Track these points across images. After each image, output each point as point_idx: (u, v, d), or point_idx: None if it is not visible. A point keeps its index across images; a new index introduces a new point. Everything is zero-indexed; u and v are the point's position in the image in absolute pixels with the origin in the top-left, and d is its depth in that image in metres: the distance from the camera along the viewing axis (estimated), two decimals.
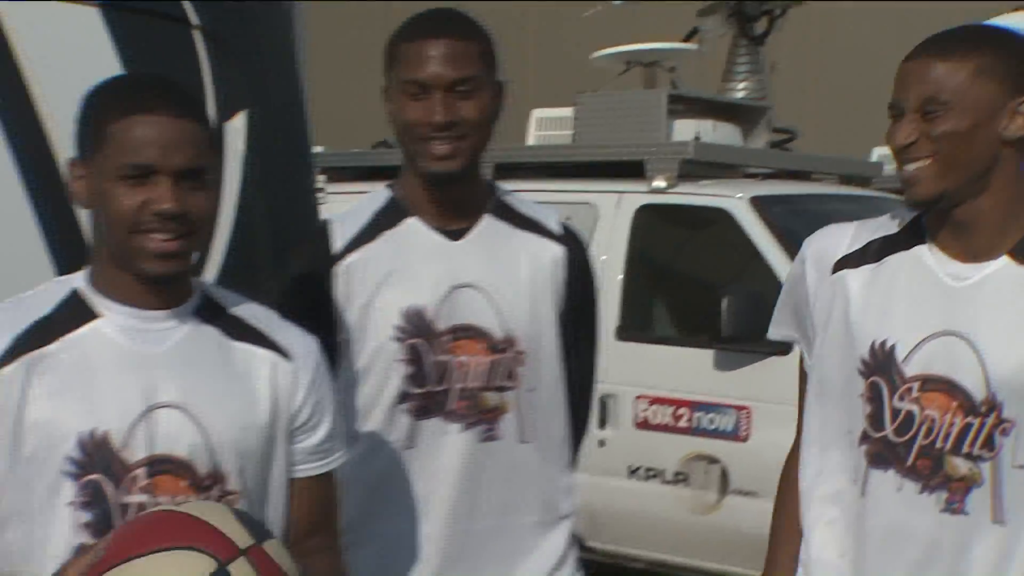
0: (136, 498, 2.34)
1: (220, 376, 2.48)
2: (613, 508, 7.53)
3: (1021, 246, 2.59)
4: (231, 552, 2.06)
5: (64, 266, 3.37)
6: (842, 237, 2.81)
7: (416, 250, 3.15)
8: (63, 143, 3.30)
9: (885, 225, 2.77)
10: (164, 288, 2.44)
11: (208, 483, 2.39)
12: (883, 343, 2.66)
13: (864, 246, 2.77)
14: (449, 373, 3.09)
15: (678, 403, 7.43)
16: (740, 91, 10.03)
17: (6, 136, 3.41)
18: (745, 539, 6.94)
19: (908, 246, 2.71)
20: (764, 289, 7.00)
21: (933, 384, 2.60)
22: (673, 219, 8.02)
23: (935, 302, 2.64)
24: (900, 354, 2.63)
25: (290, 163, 4.02)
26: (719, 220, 7.57)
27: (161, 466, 2.37)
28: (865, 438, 2.68)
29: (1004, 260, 2.59)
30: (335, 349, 3.08)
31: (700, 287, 7.94)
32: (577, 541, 3.34)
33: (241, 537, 2.10)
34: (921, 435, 2.60)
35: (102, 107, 2.42)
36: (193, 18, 3.72)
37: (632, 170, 7.95)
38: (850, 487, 2.72)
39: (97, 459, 2.34)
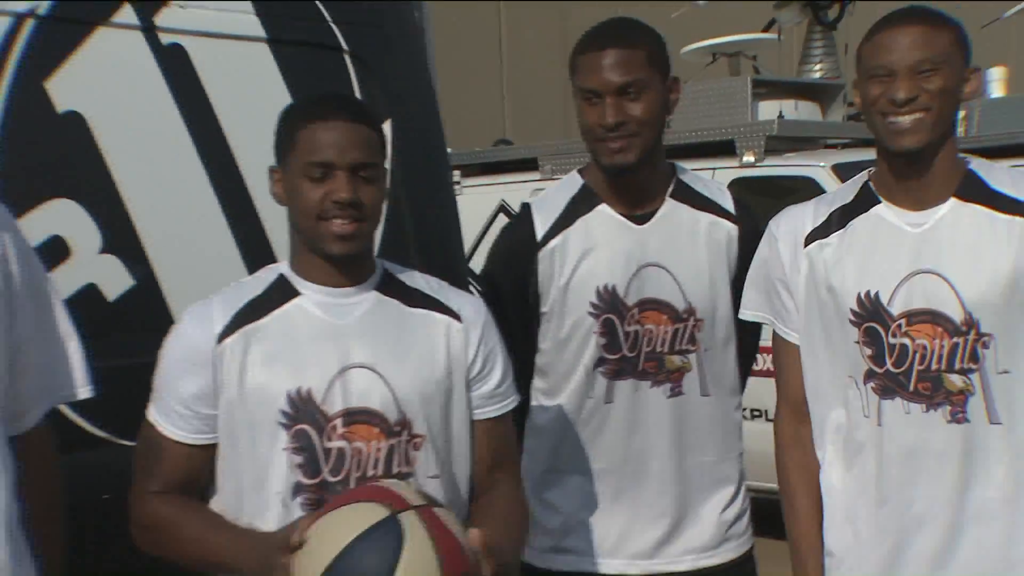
0: (337, 444, 2.48)
1: (402, 338, 2.58)
2: None
3: (962, 188, 2.73)
4: (403, 505, 2.22)
5: (250, 257, 3.62)
6: (805, 215, 2.91)
7: (607, 234, 3.16)
8: (245, 160, 3.58)
9: (839, 197, 2.89)
10: (349, 267, 2.58)
11: (398, 429, 2.51)
12: (867, 293, 2.75)
13: (827, 219, 2.86)
14: (639, 340, 3.12)
15: None
16: (817, 72, 9.95)
17: (200, 156, 3.57)
18: None
19: (866, 209, 2.82)
20: None
21: (918, 317, 2.70)
22: (762, 189, 7.91)
23: (902, 248, 2.74)
24: (884, 298, 2.73)
25: (429, 163, 4.09)
26: (804, 187, 7.45)
27: (356, 416, 2.49)
28: (870, 375, 2.75)
29: (952, 202, 2.72)
30: (539, 320, 3.22)
31: None
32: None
33: (414, 498, 2.27)
34: (916, 362, 2.69)
35: (292, 120, 2.58)
36: (344, 45, 3.84)
37: (723, 149, 7.95)
38: (863, 421, 2.78)
39: (303, 412, 2.48)
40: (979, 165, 2.81)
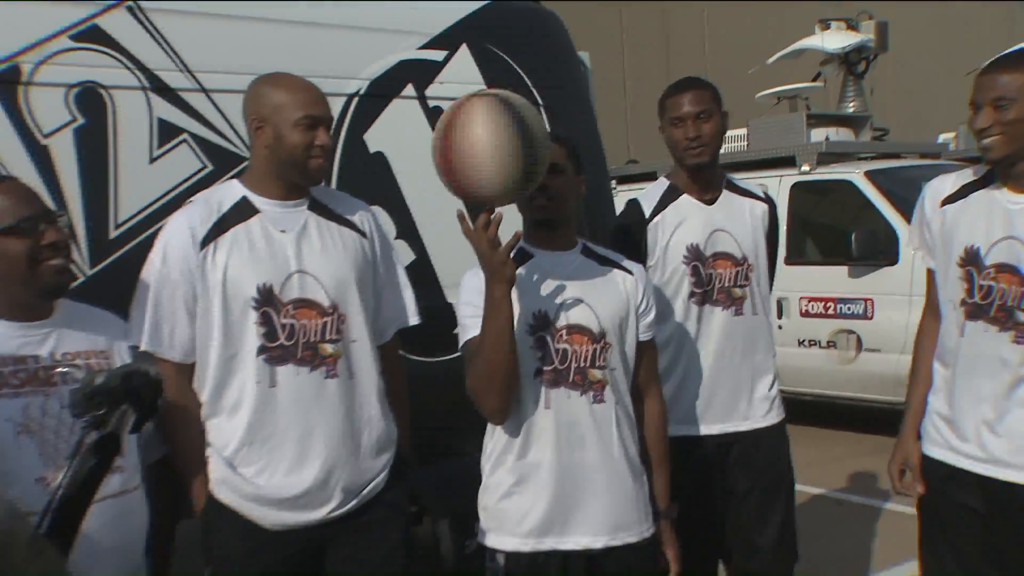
0: (563, 346, 2.48)
1: (600, 283, 2.56)
2: (791, 365, 7.30)
3: None
4: None
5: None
6: (946, 183, 2.81)
7: (690, 212, 3.19)
8: None
9: (972, 175, 2.77)
10: (555, 236, 2.56)
11: (599, 339, 2.50)
12: (971, 246, 2.66)
13: (959, 189, 2.75)
14: (714, 279, 3.14)
15: (826, 300, 7.33)
16: (851, 108, 9.70)
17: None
18: (872, 377, 7.05)
19: (984, 186, 2.70)
20: (876, 227, 7.00)
21: (1003, 269, 2.60)
22: (815, 189, 7.84)
23: (1001, 219, 2.63)
24: (982, 252, 2.64)
25: (595, 176, 4.05)
26: (845, 188, 7.46)
27: (575, 330, 2.48)
28: (963, 303, 2.68)
29: None
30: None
31: (835, 229, 7.77)
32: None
33: None
34: (997, 298, 2.60)
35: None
36: (540, 101, 3.98)
37: (788, 162, 7.88)
38: (953, 332, 2.72)
39: (545, 324, 2.47)
40: None
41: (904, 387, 3.02)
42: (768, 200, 3.33)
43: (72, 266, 2.40)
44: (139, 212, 3.14)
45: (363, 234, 2.67)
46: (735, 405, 3.20)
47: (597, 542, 2.49)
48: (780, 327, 7.46)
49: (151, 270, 2.49)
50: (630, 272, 2.65)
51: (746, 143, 8.76)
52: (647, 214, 3.23)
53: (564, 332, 2.49)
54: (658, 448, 2.70)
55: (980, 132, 2.55)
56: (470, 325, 2.46)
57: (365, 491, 2.59)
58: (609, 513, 2.51)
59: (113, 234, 3.10)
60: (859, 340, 7.26)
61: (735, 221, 3.22)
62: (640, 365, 2.66)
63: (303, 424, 2.48)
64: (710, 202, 3.23)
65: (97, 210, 3.08)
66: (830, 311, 7.41)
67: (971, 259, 2.67)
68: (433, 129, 3.63)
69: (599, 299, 2.54)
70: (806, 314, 7.57)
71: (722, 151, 3.33)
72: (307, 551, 2.52)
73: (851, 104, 9.96)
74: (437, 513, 3.81)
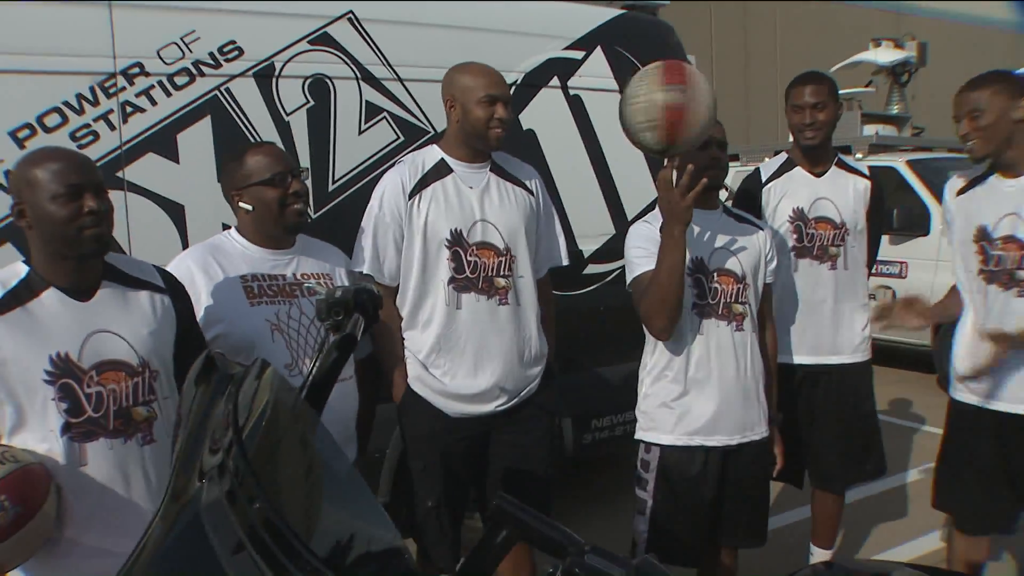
0: (714, 285, 2.38)
1: (740, 237, 2.42)
2: None
3: None
4: None
5: (609, 201, 3.66)
6: (959, 180, 2.74)
7: (798, 182, 3.05)
8: (609, 151, 3.65)
9: (976, 170, 2.69)
10: (709, 199, 2.44)
11: (741, 280, 2.42)
12: (981, 225, 2.60)
13: (969, 182, 2.68)
14: (815, 238, 2.99)
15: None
16: (895, 109, 9.42)
17: (586, 149, 3.66)
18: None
19: (985, 178, 2.63)
20: (913, 206, 6.76)
21: (1007, 240, 2.54)
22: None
23: (1001, 200, 2.57)
24: (990, 228, 2.58)
25: None
26: (889, 173, 7.14)
27: (723, 273, 2.36)
28: (981, 271, 2.61)
29: None
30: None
31: None
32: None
33: None
34: (1005, 264, 2.54)
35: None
36: None
37: (844, 151, 7.52)
38: (977, 295, 2.63)
39: (696, 268, 2.38)
40: None
41: (927, 334, 2.82)
42: (872, 178, 3.11)
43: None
44: (349, 171, 3.15)
45: (530, 192, 2.60)
46: (824, 342, 3.04)
47: (733, 440, 2.45)
48: None
49: (371, 214, 2.46)
50: (761, 228, 2.57)
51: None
52: (763, 180, 3.10)
53: (715, 274, 2.41)
54: (771, 367, 2.61)
55: (963, 138, 2.50)
56: (641, 263, 2.36)
57: (523, 392, 2.55)
58: (742, 416, 2.46)
59: (331, 187, 3.11)
60: (894, 294, 6.98)
61: (838, 192, 3.05)
62: (764, 301, 2.58)
63: (479, 339, 2.45)
64: (819, 175, 3.07)
65: (320, 169, 3.10)
66: (873, 270, 7.09)
67: (982, 235, 2.60)
68: (572, 112, 3.66)
69: (741, 249, 2.47)
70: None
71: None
72: (477, 435, 2.51)
73: (896, 106, 9.65)
74: (562, 413, 3.76)
